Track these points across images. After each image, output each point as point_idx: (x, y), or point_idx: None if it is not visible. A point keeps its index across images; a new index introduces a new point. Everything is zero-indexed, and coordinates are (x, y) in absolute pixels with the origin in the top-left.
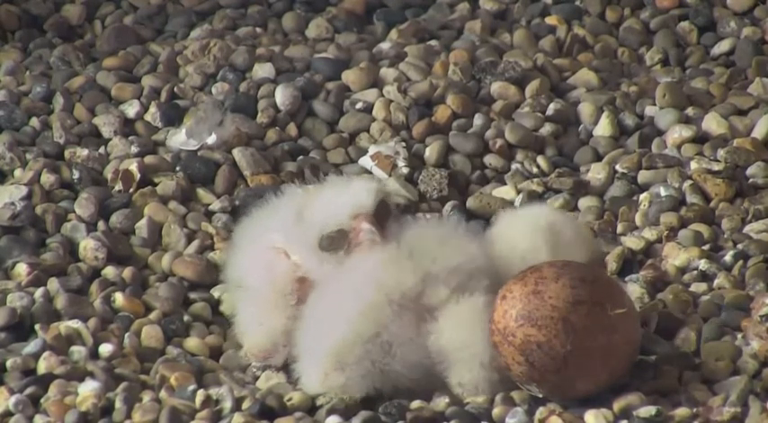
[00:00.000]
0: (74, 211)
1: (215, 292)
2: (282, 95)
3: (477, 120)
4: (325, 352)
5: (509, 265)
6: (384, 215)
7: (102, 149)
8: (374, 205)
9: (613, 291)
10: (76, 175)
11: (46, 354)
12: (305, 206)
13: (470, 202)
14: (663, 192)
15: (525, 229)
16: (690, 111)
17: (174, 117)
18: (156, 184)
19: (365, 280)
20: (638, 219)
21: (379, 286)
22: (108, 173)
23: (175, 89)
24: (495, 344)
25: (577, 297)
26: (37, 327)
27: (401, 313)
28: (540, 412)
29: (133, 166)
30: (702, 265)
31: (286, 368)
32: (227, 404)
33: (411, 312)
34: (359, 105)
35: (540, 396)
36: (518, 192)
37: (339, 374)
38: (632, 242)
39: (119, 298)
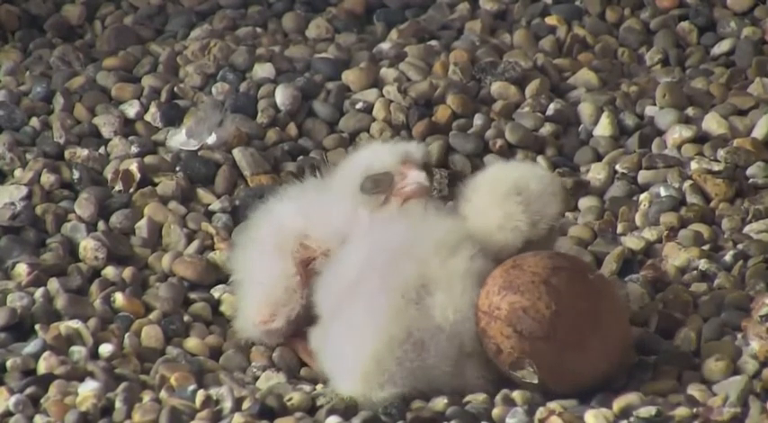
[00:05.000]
0: (74, 211)
1: (215, 292)
2: (282, 95)
3: (477, 120)
4: (362, 355)
5: (487, 236)
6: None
7: (102, 149)
8: (423, 159)
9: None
10: (76, 175)
11: (46, 354)
12: (328, 182)
13: None
14: (663, 192)
15: (493, 196)
16: (690, 111)
17: (174, 117)
18: (156, 184)
19: (380, 284)
20: (638, 219)
21: (392, 290)
22: (108, 173)
23: (175, 89)
24: (483, 329)
25: (557, 264)
26: (37, 327)
27: (422, 307)
28: (540, 412)
29: (133, 166)
30: (702, 265)
31: (291, 370)
32: (227, 404)
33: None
34: (359, 105)
35: (536, 381)
36: None
37: (379, 377)
38: (632, 242)
39: (119, 298)
